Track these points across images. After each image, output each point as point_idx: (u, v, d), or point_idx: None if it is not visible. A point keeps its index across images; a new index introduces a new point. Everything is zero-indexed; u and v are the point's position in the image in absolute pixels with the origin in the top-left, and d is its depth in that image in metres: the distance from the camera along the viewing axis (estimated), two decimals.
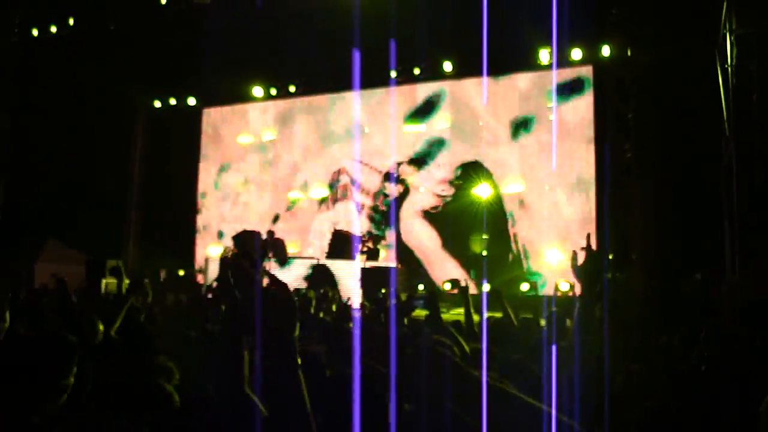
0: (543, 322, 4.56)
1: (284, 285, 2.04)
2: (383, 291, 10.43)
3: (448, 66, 14.54)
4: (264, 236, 14.49)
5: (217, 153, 17.58)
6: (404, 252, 14.62)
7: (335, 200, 15.98)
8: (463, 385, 2.28)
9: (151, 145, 17.77)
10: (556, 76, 13.78)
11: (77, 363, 3.16)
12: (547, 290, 13.06)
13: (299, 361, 1.95)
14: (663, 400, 2.92)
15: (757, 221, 9.36)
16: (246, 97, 16.60)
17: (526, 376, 2.65)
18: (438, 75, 14.86)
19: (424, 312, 6.83)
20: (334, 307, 7.11)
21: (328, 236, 13.96)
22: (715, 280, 9.91)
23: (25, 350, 2.92)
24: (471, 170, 14.43)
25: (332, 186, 16.04)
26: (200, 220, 17.50)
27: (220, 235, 16.97)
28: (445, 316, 6.12)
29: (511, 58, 13.75)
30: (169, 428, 2.72)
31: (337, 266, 12.37)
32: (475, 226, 13.76)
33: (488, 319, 4.62)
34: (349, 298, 9.52)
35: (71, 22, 15.21)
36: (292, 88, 16.29)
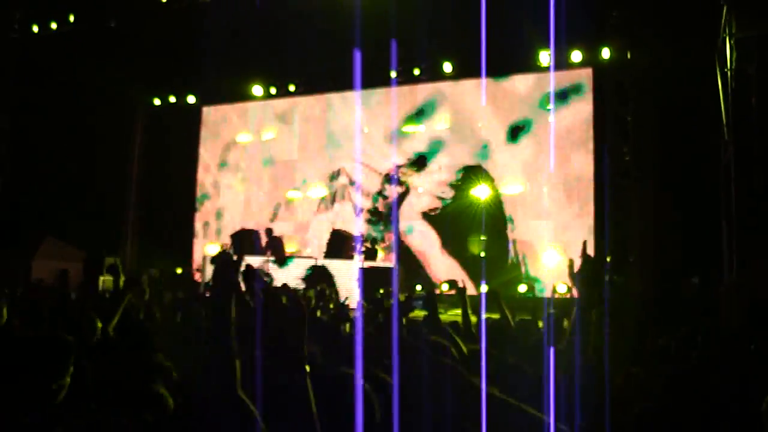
0: (541, 324, 4.56)
1: (294, 292, 2.03)
2: (381, 291, 10.42)
3: (447, 67, 14.55)
4: (263, 235, 14.50)
5: (216, 151, 17.57)
6: (403, 252, 14.63)
7: (334, 200, 15.99)
8: (461, 389, 2.28)
9: (150, 143, 17.76)
10: (554, 79, 13.79)
11: (74, 362, 3.17)
12: (544, 292, 13.07)
13: (308, 368, 1.93)
14: (662, 401, 2.92)
15: (756, 223, 9.38)
16: (246, 96, 16.59)
17: (523, 378, 2.65)
18: (438, 76, 14.87)
19: (422, 312, 6.83)
20: (331, 306, 7.10)
21: (327, 236, 13.96)
22: (714, 281, 9.93)
23: (21, 350, 2.92)
24: (472, 173, 14.44)
25: (331, 185, 16.04)
26: (198, 218, 17.49)
27: (219, 233, 16.97)
28: (442, 317, 6.13)
29: (511, 60, 13.77)
30: (162, 428, 2.72)
31: (335, 266, 12.36)
32: (473, 227, 13.77)
33: (486, 320, 4.63)
34: (347, 298, 9.51)
35: (71, 19, 15.20)
36: (291, 88, 16.28)
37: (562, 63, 13.27)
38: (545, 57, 13.68)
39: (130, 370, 3.14)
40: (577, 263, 2.74)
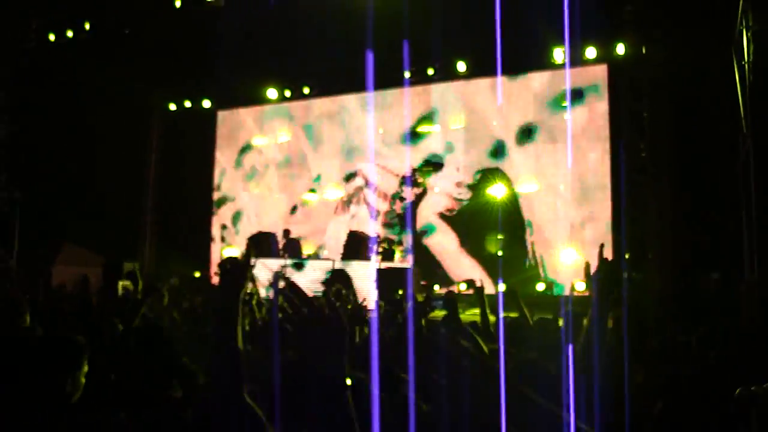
0: (561, 322, 4.54)
1: (333, 303, 1.98)
2: (400, 292, 10.40)
3: (461, 66, 14.52)
4: (280, 237, 14.53)
5: (232, 155, 17.65)
6: (421, 253, 14.60)
7: (350, 202, 16.00)
8: (482, 386, 2.27)
9: (167, 148, 17.87)
10: (570, 76, 13.72)
11: (91, 363, 3.20)
12: (563, 291, 13.01)
13: (349, 382, 1.87)
14: (681, 400, 2.90)
15: None
16: (260, 99, 16.66)
17: (544, 376, 2.63)
18: (451, 75, 14.85)
19: (442, 313, 6.82)
20: (349, 307, 7.09)
21: (344, 237, 13.97)
22: (734, 278, 9.83)
23: (35, 351, 2.98)
24: (489, 175, 14.40)
25: (347, 187, 16.06)
26: (216, 221, 17.58)
27: (236, 236, 17.04)
28: (461, 317, 6.10)
29: (525, 58, 13.70)
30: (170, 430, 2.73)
31: (352, 267, 12.36)
32: (490, 226, 13.74)
33: (504, 319, 4.61)
34: (364, 299, 9.49)
35: (87, 26, 15.31)
36: (306, 90, 16.34)
37: (576, 60, 13.20)
38: (559, 54, 13.62)
39: (148, 373, 3.16)
40: (594, 265, 2.72)
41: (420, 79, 15.04)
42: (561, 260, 13.51)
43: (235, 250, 15.98)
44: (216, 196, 17.70)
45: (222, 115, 17.81)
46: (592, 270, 2.79)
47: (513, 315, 4.78)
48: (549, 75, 14.17)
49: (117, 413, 2.73)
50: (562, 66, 13.78)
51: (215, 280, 15.73)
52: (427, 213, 15.07)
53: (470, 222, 14.37)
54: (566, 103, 13.82)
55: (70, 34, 15.45)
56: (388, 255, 13.32)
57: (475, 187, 14.58)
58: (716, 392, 2.78)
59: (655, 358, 3.90)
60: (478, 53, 13.79)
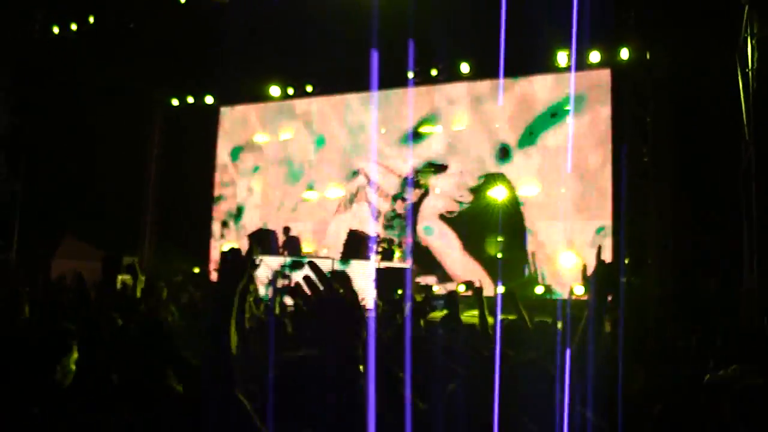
0: (560, 325, 4.55)
1: (353, 291, 1.93)
2: (399, 292, 10.40)
3: (465, 67, 14.52)
4: (280, 234, 14.54)
5: (233, 151, 17.65)
6: (422, 254, 14.60)
7: (352, 201, 16.00)
8: (478, 387, 2.28)
9: (168, 144, 17.87)
10: (574, 79, 13.72)
11: (90, 357, 3.23)
12: (562, 294, 13.00)
13: (361, 368, 1.83)
14: (680, 403, 2.90)
15: None
16: (263, 97, 16.66)
17: (542, 376, 2.63)
18: (455, 76, 14.84)
19: (442, 313, 6.83)
20: None
21: (344, 236, 13.96)
22: (734, 282, 9.84)
23: (27, 339, 3.05)
24: (492, 180, 14.39)
25: (349, 186, 16.06)
26: (216, 218, 17.58)
27: (237, 233, 17.04)
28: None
29: (529, 60, 13.67)
30: (166, 420, 2.73)
31: (351, 267, 12.35)
32: (490, 228, 13.74)
33: (502, 321, 4.61)
34: (363, 299, 9.49)
35: (91, 20, 15.32)
36: (309, 88, 16.34)
37: (580, 63, 13.19)
38: (563, 57, 13.62)
39: (148, 367, 3.16)
40: (591, 268, 2.72)
41: (423, 79, 15.03)
42: (560, 264, 13.51)
43: (235, 246, 15.96)
44: (217, 192, 17.70)
45: (224, 112, 17.82)
46: (589, 272, 2.79)
47: (512, 317, 4.79)
48: (552, 78, 14.17)
49: (118, 409, 2.74)
50: (565, 69, 13.78)
51: (214, 276, 15.74)
52: (428, 214, 15.06)
53: (471, 224, 14.37)
54: (569, 107, 13.82)
55: (74, 27, 15.47)
56: (387, 255, 13.32)
57: (477, 190, 14.58)
58: (715, 394, 2.78)
59: (655, 360, 3.90)
60: (481, 55, 13.78)
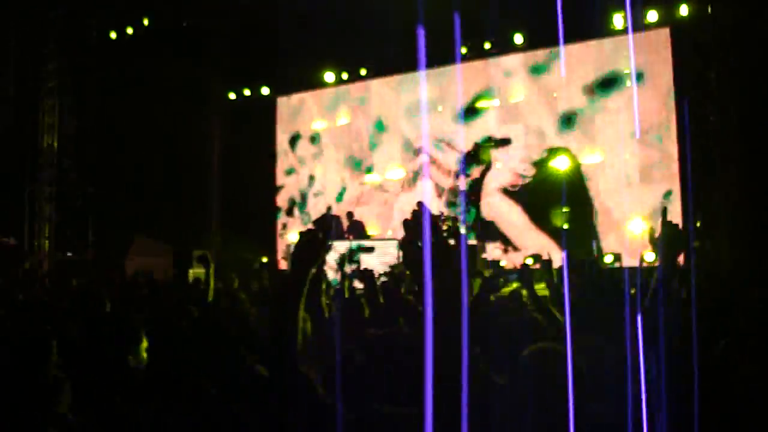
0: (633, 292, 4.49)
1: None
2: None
3: (518, 38, 14.31)
4: (344, 219, 14.67)
5: (291, 140, 17.84)
6: (486, 228, 14.49)
7: (414, 181, 16.01)
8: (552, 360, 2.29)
9: (229, 137, 18.14)
10: (633, 41, 13.37)
11: (167, 349, 3.45)
12: (632, 262, 12.77)
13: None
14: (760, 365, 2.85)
15: None
16: (318, 83, 16.77)
17: (609, 355, 2.62)
18: (509, 48, 14.65)
19: (509, 289, 6.83)
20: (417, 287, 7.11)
21: (408, 217, 13.97)
22: None
23: (103, 331, 3.41)
24: (555, 153, 14.19)
25: (410, 166, 16.05)
26: (280, 205, 17.83)
27: (302, 220, 17.25)
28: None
29: (584, 25, 13.37)
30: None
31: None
32: (555, 199, 13.57)
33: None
34: None
35: (146, 22, 15.67)
36: (363, 72, 16.36)
37: (637, 24, 12.84)
38: (619, 20, 13.28)
39: (231, 356, 3.28)
40: (658, 230, 2.68)
41: (477, 53, 14.88)
42: (629, 231, 13.27)
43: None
44: (279, 181, 17.93)
45: (281, 101, 18.01)
46: (657, 235, 2.76)
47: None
48: (609, 42, 13.84)
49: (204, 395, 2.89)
50: (622, 32, 13.43)
51: (283, 265, 16.02)
52: (491, 189, 14.94)
53: (535, 196, 14.22)
54: (629, 71, 13.50)
55: (130, 31, 15.85)
56: (452, 233, 13.27)
57: (540, 163, 14.41)
58: None
59: (728, 331, 3.82)
60: (534, 24, 13.54)
